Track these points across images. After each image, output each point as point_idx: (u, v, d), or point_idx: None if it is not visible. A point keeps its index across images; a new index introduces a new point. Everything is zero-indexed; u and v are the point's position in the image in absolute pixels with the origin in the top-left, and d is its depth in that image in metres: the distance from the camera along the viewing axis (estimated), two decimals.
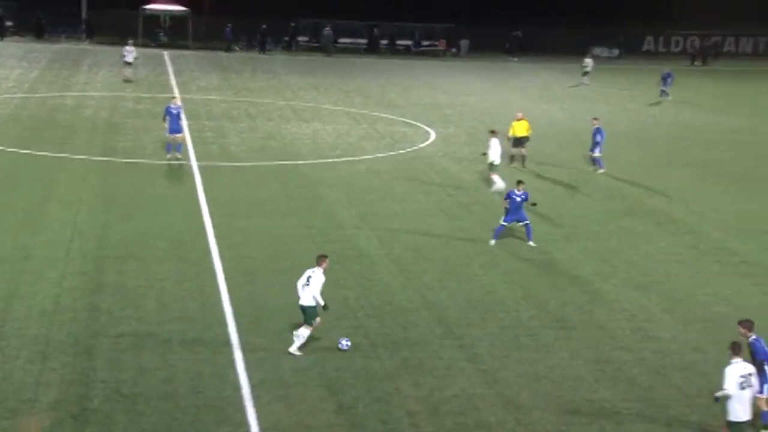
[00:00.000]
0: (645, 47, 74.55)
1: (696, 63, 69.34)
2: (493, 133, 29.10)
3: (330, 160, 32.13)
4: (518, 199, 23.00)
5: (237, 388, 14.99)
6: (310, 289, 16.19)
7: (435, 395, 15.12)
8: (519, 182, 23.51)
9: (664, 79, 49.25)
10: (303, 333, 16.24)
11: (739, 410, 12.87)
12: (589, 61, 56.52)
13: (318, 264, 16.49)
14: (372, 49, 69.39)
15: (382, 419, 14.31)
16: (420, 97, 48.50)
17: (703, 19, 75.13)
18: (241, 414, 14.24)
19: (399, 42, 70.66)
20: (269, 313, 18.00)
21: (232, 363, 15.87)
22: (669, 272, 21.46)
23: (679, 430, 13.72)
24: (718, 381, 15.33)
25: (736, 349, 13.17)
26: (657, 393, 15.41)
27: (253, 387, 15.00)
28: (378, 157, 33.02)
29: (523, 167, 31.53)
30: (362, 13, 68.78)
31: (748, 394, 12.90)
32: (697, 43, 72.26)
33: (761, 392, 13.77)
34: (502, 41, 70.36)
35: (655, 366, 16.41)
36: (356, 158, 32.74)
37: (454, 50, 71.32)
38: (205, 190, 26.96)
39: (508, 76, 59.89)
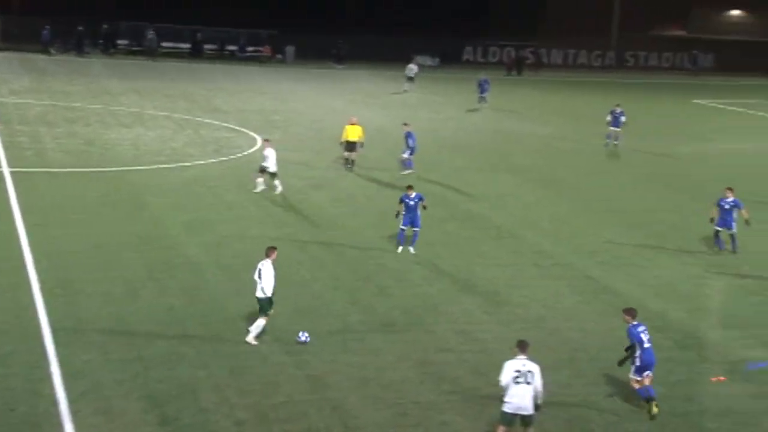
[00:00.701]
0: (464, 57, 76.89)
1: (512, 73, 72.10)
2: (267, 141, 29.63)
3: (154, 167, 31.34)
4: (411, 202, 23.41)
5: (54, 402, 14.37)
6: (261, 281, 17.01)
7: (263, 403, 15.01)
8: (409, 187, 24.00)
9: (481, 85, 50.89)
10: (259, 323, 17.04)
11: (513, 402, 13.62)
12: (413, 67, 57.87)
13: (267, 256, 17.28)
14: (196, 54, 68.28)
15: (208, 429, 14.08)
16: (246, 102, 48.09)
17: (518, 31, 78.48)
18: (59, 429, 13.65)
19: (223, 47, 69.87)
20: (89, 324, 17.38)
21: (48, 377, 15.21)
22: (490, 276, 22.18)
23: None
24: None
25: (522, 347, 13.98)
26: (479, 392, 15.87)
27: (72, 401, 14.43)
28: (204, 163, 32.49)
29: (350, 171, 32.20)
30: (186, 16, 67.57)
31: (521, 390, 13.55)
32: (513, 53, 75.17)
33: (633, 373, 15.43)
34: (327, 48, 70.94)
35: (478, 366, 16.91)
36: (182, 164, 32.08)
37: (279, 56, 71.21)
38: (18, 198, 25.71)
39: (334, 82, 60.32)
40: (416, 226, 23.53)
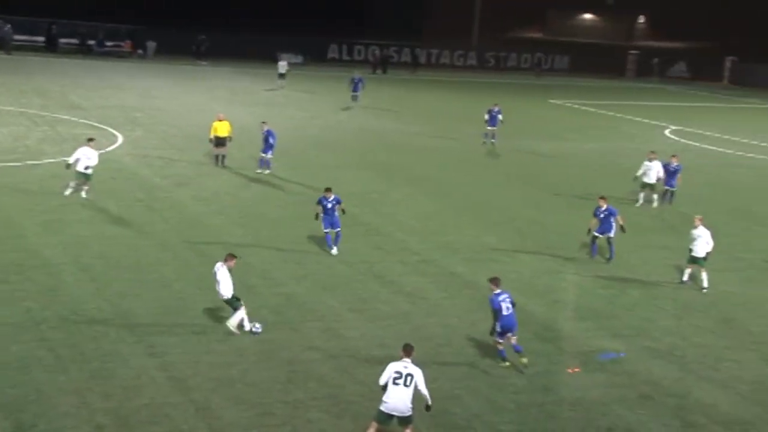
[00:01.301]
0: (330, 55, 77.11)
1: (377, 71, 72.76)
2: (90, 141, 27.77)
3: (6, 165, 30.08)
4: (329, 205, 23.32)
5: None
6: (219, 286, 17.83)
7: (124, 406, 14.65)
8: (327, 189, 23.76)
9: (355, 84, 51.28)
10: (237, 316, 17.75)
11: (389, 402, 13.61)
12: (283, 64, 58.17)
13: (225, 261, 17.98)
14: (51, 48, 65.89)
15: None
16: (105, 98, 46.75)
17: (383, 31, 79.29)
18: None
19: (81, 41, 67.69)
20: None
21: None
22: (357, 273, 22.30)
23: (363, 423, 14.29)
24: None
25: (406, 351, 13.92)
26: (344, 389, 15.94)
27: None
28: (60, 160, 31.40)
29: (223, 167, 32.08)
30: (42, 9, 65.12)
31: (398, 391, 13.55)
32: (378, 52, 75.83)
33: (496, 337, 17.04)
34: (189, 44, 69.79)
35: (343, 363, 16.99)
36: (36, 162, 30.91)
37: (140, 52, 69.59)
38: None
39: (197, 79, 59.39)
40: (336, 227, 23.53)
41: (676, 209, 30.54)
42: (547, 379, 16.88)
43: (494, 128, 40.65)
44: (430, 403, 13.87)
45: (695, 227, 22.91)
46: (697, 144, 46.13)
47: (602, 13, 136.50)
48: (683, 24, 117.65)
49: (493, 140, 40.64)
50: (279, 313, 19.23)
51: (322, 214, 23.54)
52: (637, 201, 30.65)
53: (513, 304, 17.12)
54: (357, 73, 53.06)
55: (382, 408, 13.70)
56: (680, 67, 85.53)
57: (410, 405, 13.64)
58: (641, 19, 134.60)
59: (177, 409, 14.76)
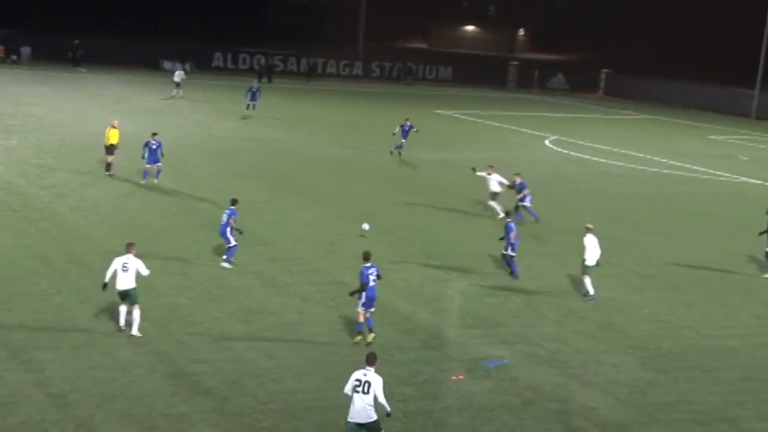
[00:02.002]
0: (214, 63, 76.23)
1: (262, 80, 72.26)
2: None
3: None
4: (225, 217, 23.04)
5: None
6: (128, 274, 18.06)
7: None
8: (233, 200, 23.41)
9: (253, 93, 51.05)
10: (137, 314, 17.98)
11: (352, 411, 13.65)
12: (179, 73, 57.63)
13: (128, 251, 18.40)
14: None
15: None
16: None
17: (269, 40, 78.94)
18: None
19: None
20: None
21: None
22: (244, 283, 22.03)
23: None
24: (290, 385, 16.13)
25: (369, 360, 13.93)
26: (232, 402, 15.71)
27: None
28: None
29: (110, 175, 31.61)
30: None
31: (358, 399, 13.57)
32: (263, 61, 75.34)
33: (359, 307, 18.61)
34: (65, 50, 67.88)
35: (231, 376, 16.73)
36: None
37: (14, 57, 67.27)
38: None
39: (75, 87, 57.74)
40: (228, 243, 23.08)
41: (554, 217, 31.30)
42: (435, 387, 17.01)
43: (404, 140, 41.50)
44: (389, 410, 13.82)
45: (585, 236, 23.20)
46: (576, 154, 47.48)
47: (484, 26, 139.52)
48: (561, 37, 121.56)
49: (400, 150, 41.41)
50: (162, 326, 18.80)
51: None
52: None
53: (379, 277, 18.80)
54: (255, 83, 53.01)
55: (348, 419, 13.68)
56: (559, 79, 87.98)
57: (371, 412, 13.60)
58: (521, 32, 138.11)
59: (55, 426, 14.25)
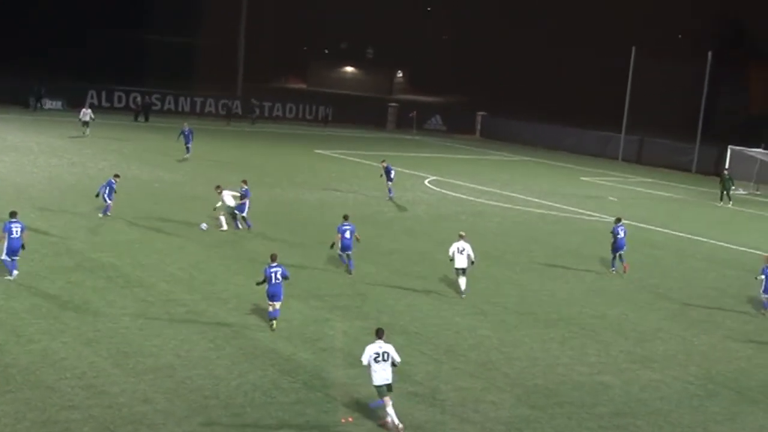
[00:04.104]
0: (89, 101, 74.54)
1: (139, 119, 71.08)
2: None
3: None
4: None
5: None
6: None
7: None
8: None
9: (186, 135, 51.15)
10: None
11: (377, 377, 17.00)
12: (86, 111, 56.93)
13: None
14: None
15: None
16: None
17: (143, 77, 77.86)
18: None
19: None
20: None
21: None
22: (119, 326, 21.47)
23: None
24: (168, 430, 15.80)
25: (379, 334, 17.43)
26: None
27: None
28: None
29: None
30: None
31: (381, 366, 17.04)
32: (139, 99, 74.14)
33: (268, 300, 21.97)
34: None
35: (105, 422, 16.23)
36: None
37: None
38: None
39: None
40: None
41: (435, 256, 31.73)
42: (318, 429, 16.91)
43: (390, 183, 43.47)
44: (398, 360, 17.44)
45: (458, 241, 26.80)
46: (453, 193, 48.40)
47: (363, 67, 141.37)
48: (437, 80, 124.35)
49: (391, 195, 43.32)
50: (32, 372, 18.12)
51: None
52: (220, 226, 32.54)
53: (285, 277, 22.19)
54: (186, 125, 52.69)
55: (376, 383, 17.02)
56: (436, 120, 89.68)
57: (390, 374, 17.08)
58: (399, 74, 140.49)
59: None
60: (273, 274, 22.03)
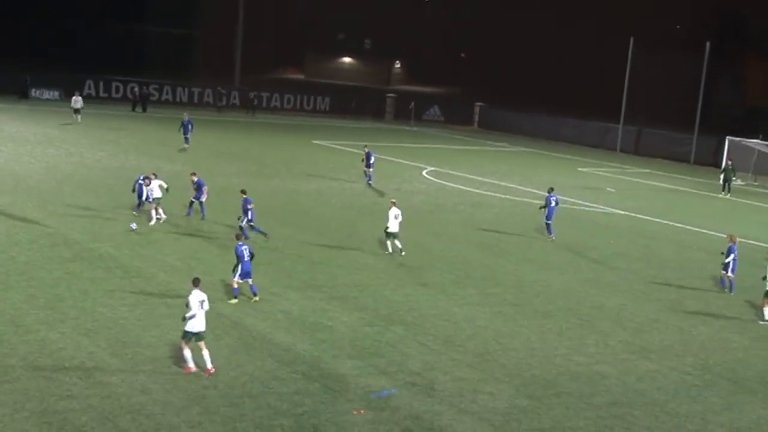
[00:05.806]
0: (86, 91, 74.42)
1: (137, 109, 70.97)
2: None
3: None
4: None
5: None
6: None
7: None
8: None
9: (185, 126, 50.95)
10: None
11: (195, 324, 18.26)
12: (77, 99, 56.89)
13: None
14: None
15: None
16: None
17: (142, 68, 77.74)
18: None
19: None
20: None
21: None
22: (118, 316, 21.49)
23: None
24: (166, 421, 15.83)
25: (195, 283, 18.73)
26: None
27: None
28: None
29: None
30: None
31: (201, 312, 18.32)
32: (137, 90, 74.01)
33: (236, 277, 23.24)
34: None
35: (104, 412, 16.26)
36: None
37: None
38: None
39: None
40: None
41: (432, 246, 31.74)
42: (316, 419, 16.95)
43: (371, 170, 43.96)
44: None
45: (390, 209, 29.23)
46: (451, 184, 48.39)
47: (361, 58, 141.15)
48: (435, 70, 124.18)
49: (370, 181, 43.77)
50: (30, 362, 18.15)
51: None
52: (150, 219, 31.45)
53: (252, 255, 23.33)
54: (186, 115, 52.45)
55: (189, 329, 18.23)
56: (435, 111, 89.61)
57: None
58: (397, 65, 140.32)
59: None
60: (244, 252, 23.30)
